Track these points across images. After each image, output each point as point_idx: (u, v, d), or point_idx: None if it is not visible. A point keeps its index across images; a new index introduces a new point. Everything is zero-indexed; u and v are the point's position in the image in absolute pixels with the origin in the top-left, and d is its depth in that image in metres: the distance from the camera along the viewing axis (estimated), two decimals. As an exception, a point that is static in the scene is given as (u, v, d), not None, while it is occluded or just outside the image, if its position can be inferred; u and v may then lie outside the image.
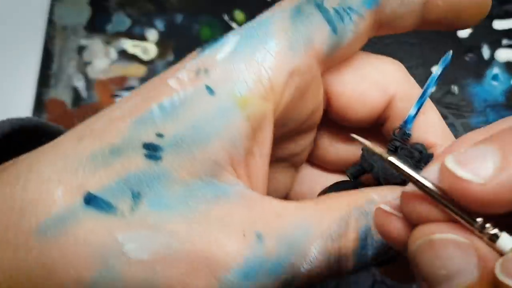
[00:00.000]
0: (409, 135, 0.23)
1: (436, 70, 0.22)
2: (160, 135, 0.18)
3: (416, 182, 0.17)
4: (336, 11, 0.21)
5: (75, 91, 0.41)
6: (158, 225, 0.17)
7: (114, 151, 0.18)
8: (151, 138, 0.18)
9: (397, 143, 0.22)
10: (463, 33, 0.41)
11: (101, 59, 0.41)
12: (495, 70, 0.40)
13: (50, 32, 0.42)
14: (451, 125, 0.39)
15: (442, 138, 0.23)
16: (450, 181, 0.16)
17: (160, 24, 0.43)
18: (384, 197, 0.20)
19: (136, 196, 0.18)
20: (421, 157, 0.22)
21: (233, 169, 0.19)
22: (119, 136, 0.18)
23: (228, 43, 0.20)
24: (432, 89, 0.23)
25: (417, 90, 0.23)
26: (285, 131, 0.22)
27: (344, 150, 0.25)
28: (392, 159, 0.17)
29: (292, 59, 0.20)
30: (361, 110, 0.23)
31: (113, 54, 0.42)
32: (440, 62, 0.22)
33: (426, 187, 0.16)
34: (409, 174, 0.17)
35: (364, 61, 0.23)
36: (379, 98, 0.23)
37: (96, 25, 0.42)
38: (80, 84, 0.41)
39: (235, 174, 0.19)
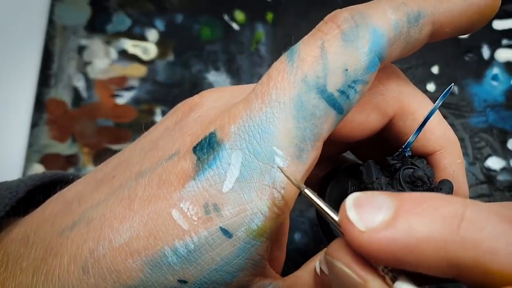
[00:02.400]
0: (408, 157, 0.23)
1: (436, 101, 0.22)
2: (183, 281, 0.18)
3: (325, 214, 0.17)
4: (341, 92, 0.19)
5: (75, 91, 0.41)
6: None
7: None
8: (174, 284, 0.18)
9: (398, 165, 0.22)
10: (463, 33, 0.41)
11: (101, 59, 0.41)
12: (495, 70, 0.40)
13: (51, 32, 0.42)
14: (451, 125, 0.39)
15: (443, 144, 0.23)
16: (341, 217, 0.16)
17: (160, 24, 0.43)
18: None
19: None
20: (423, 187, 0.22)
21: (259, 277, 0.20)
22: (134, 278, 0.18)
23: (231, 165, 0.18)
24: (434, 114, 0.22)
25: (418, 103, 0.23)
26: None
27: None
28: (307, 191, 0.18)
29: (302, 166, 0.19)
30: (361, 134, 0.23)
31: (113, 54, 0.42)
32: (442, 94, 0.22)
33: (332, 219, 0.17)
34: (319, 206, 0.17)
35: None
36: (379, 121, 0.23)
37: (96, 25, 0.42)
38: (80, 84, 0.41)
39: (260, 280, 0.20)
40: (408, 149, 0.22)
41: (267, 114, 0.19)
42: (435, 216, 0.15)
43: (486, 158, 0.38)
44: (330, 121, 0.19)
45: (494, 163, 0.38)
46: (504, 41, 0.41)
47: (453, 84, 0.22)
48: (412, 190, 0.22)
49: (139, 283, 0.18)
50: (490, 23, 0.41)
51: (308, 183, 0.20)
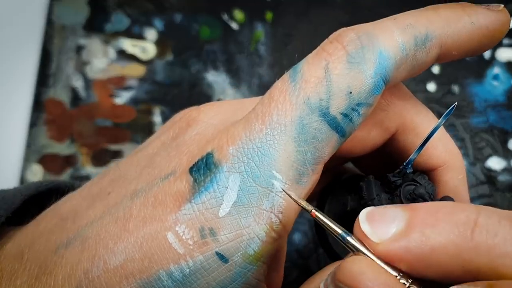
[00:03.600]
0: (410, 174, 0.22)
1: (439, 120, 0.21)
2: None
3: (335, 233, 0.17)
4: (345, 115, 0.19)
5: (74, 91, 0.40)
6: None
7: None
8: None
9: (398, 182, 0.22)
10: (464, 33, 0.41)
11: (100, 59, 0.41)
12: (496, 70, 0.40)
13: (49, 31, 0.42)
14: (451, 125, 0.39)
15: (445, 159, 0.23)
16: (356, 231, 0.16)
17: (159, 23, 0.42)
18: None
19: None
20: (424, 200, 0.22)
21: None
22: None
23: (229, 189, 0.18)
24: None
25: (419, 118, 0.22)
26: None
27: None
28: (316, 212, 0.18)
29: (301, 190, 0.19)
30: (362, 150, 0.23)
31: (112, 53, 0.41)
32: (444, 114, 0.21)
33: (343, 237, 0.17)
34: (329, 226, 0.17)
35: None
36: (380, 137, 0.23)
37: (95, 24, 0.42)
38: (78, 83, 0.41)
39: None
40: (409, 166, 0.22)
41: (267, 137, 0.18)
42: (448, 224, 0.15)
43: (486, 158, 0.38)
44: (332, 144, 0.19)
45: (495, 163, 0.38)
46: (505, 41, 0.41)
47: (456, 103, 0.22)
48: None
49: None
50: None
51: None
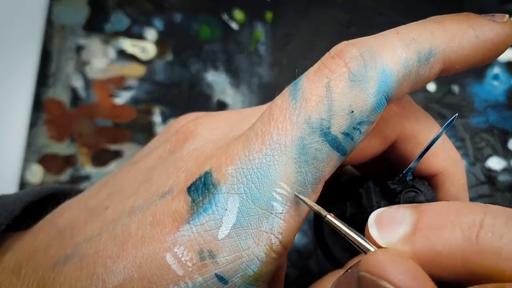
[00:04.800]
0: (409, 180, 0.22)
1: (439, 131, 0.21)
2: None
3: (351, 239, 0.17)
4: (346, 135, 0.18)
5: (74, 91, 0.40)
6: None
7: None
8: None
9: (398, 189, 0.22)
10: (464, 33, 0.41)
11: (100, 59, 0.41)
12: (496, 69, 0.40)
13: (49, 31, 0.42)
14: (451, 125, 0.39)
15: (446, 165, 0.23)
16: (366, 235, 0.16)
17: (159, 23, 0.42)
18: None
19: None
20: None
21: None
22: None
23: (228, 211, 0.18)
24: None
25: (420, 127, 0.22)
26: None
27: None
28: (329, 217, 0.18)
29: (301, 211, 0.19)
30: (362, 158, 0.22)
31: (112, 53, 0.41)
32: (445, 125, 0.21)
33: (359, 243, 0.17)
34: (345, 231, 0.17)
35: None
36: (380, 146, 0.22)
37: (95, 24, 0.42)
38: (78, 83, 0.41)
39: None
40: (409, 174, 0.22)
41: (267, 157, 0.18)
42: (453, 227, 0.15)
43: (486, 158, 0.38)
44: (332, 163, 0.19)
45: (495, 163, 0.38)
46: (505, 41, 0.41)
47: (456, 114, 0.22)
48: None
49: None
50: (491, 22, 0.41)
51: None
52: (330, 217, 0.18)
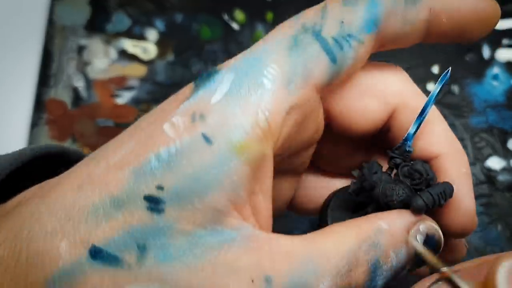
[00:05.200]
0: (410, 151, 0.22)
1: (435, 87, 0.22)
2: (160, 188, 0.18)
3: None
4: (335, 40, 0.20)
5: (75, 91, 0.41)
6: (166, 277, 0.17)
7: (115, 203, 0.18)
8: (152, 191, 0.18)
9: (398, 161, 0.22)
10: (463, 33, 0.41)
11: (101, 59, 0.41)
12: (495, 70, 0.40)
13: (50, 32, 0.42)
14: (451, 125, 0.39)
15: (447, 148, 0.23)
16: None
17: (160, 23, 0.43)
18: (393, 224, 0.20)
19: (141, 249, 0.17)
20: (421, 180, 0.22)
21: (237, 212, 0.19)
22: (119, 187, 0.18)
23: (223, 83, 0.19)
24: (431, 107, 0.23)
25: (420, 99, 0.23)
26: (285, 155, 0.22)
27: (346, 156, 0.25)
28: (448, 272, 0.18)
29: (289, 96, 0.19)
30: (363, 124, 0.23)
31: (113, 54, 0.42)
32: (439, 80, 0.22)
33: None
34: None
35: (365, 73, 0.23)
36: (380, 111, 0.23)
37: (96, 24, 0.42)
38: (80, 84, 0.41)
39: (240, 216, 0.19)
40: (409, 143, 0.22)
41: (263, 47, 0.20)
42: None
43: (486, 158, 0.38)
44: (321, 67, 0.20)
45: (495, 163, 0.38)
46: (505, 41, 0.41)
47: (450, 68, 0.23)
48: (411, 183, 0.22)
49: (123, 191, 0.18)
50: (490, 22, 0.41)
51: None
52: (450, 273, 0.18)
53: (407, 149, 0.22)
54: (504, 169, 0.38)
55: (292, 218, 0.37)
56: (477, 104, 0.40)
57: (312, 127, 0.22)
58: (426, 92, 0.40)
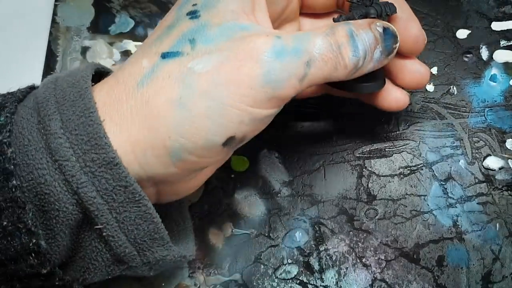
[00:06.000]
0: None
1: None
2: (195, 5, 0.27)
3: None
4: None
5: (79, 91, 0.41)
6: (212, 50, 0.26)
7: (170, 27, 0.27)
8: (190, 8, 0.27)
9: (354, 5, 0.31)
10: (462, 34, 0.42)
11: (105, 60, 0.42)
12: (494, 70, 0.41)
13: (54, 33, 0.43)
14: (450, 125, 0.39)
15: None
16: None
17: (162, 25, 0.43)
18: (358, 21, 0.29)
19: (192, 41, 0.26)
20: (371, 2, 0.30)
21: (246, 16, 0.27)
22: (170, 19, 0.28)
23: None
24: None
25: None
26: (276, 11, 0.31)
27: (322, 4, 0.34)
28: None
29: None
30: None
31: (117, 55, 0.42)
32: None
33: None
34: None
35: None
36: None
37: (100, 26, 0.43)
38: (83, 84, 0.41)
39: (248, 20, 0.27)
40: None
41: None
42: None
43: (485, 157, 0.39)
44: None
45: (493, 162, 0.38)
46: (503, 42, 0.41)
47: None
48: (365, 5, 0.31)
49: (173, 19, 0.28)
50: (489, 24, 0.42)
51: None
52: None
53: None
54: (502, 168, 0.38)
55: (292, 217, 0.37)
56: (475, 104, 0.40)
57: None
58: (425, 93, 0.40)
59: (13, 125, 0.25)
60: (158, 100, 0.25)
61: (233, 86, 0.25)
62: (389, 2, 0.31)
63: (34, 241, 0.24)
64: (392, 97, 0.33)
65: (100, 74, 0.29)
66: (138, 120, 0.25)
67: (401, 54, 0.32)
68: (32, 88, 0.28)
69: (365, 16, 0.30)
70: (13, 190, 0.23)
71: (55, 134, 0.24)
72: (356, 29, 0.27)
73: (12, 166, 0.24)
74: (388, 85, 0.34)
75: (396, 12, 0.31)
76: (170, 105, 0.25)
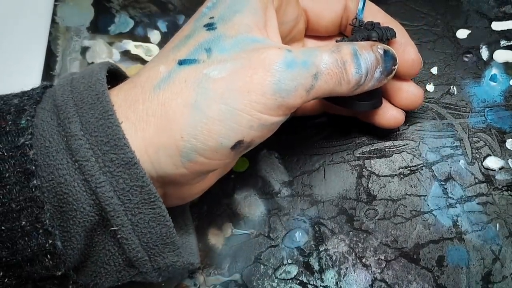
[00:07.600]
0: (363, 22, 0.34)
1: None
2: (211, 18, 0.29)
3: None
4: None
5: (79, 91, 0.41)
6: (227, 58, 0.27)
7: (187, 37, 0.29)
8: (207, 21, 0.29)
9: (357, 24, 0.34)
10: (462, 34, 0.42)
11: (104, 60, 0.42)
12: (494, 70, 0.41)
13: (53, 33, 0.43)
14: (450, 125, 0.39)
15: (383, 18, 0.35)
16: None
17: (162, 25, 0.43)
18: (361, 43, 0.30)
19: (208, 50, 0.28)
20: (372, 26, 0.33)
21: (259, 31, 0.29)
22: (187, 30, 0.30)
23: None
24: None
25: None
26: (285, 30, 0.33)
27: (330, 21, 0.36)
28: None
29: None
30: (328, 16, 0.35)
31: (116, 55, 0.42)
32: None
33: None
34: None
35: None
36: (338, 5, 0.35)
37: (99, 26, 0.43)
38: (83, 84, 0.41)
39: (261, 34, 0.29)
40: (361, 15, 0.34)
41: None
42: None
43: (485, 157, 0.39)
44: None
45: (493, 162, 0.38)
46: (503, 42, 0.41)
47: None
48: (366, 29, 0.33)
49: (191, 30, 0.30)
50: (489, 24, 0.42)
51: None
52: None
53: (359, 19, 0.34)
54: (502, 168, 0.38)
55: (292, 217, 0.37)
56: (475, 104, 0.40)
57: (294, 11, 0.33)
58: (425, 93, 0.40)
59: (34, 128, 0.26)
60: (173, 103, 0.26)
61: (245, 92, 0.26)
62: (389, 27, 0.33)
63: (51, 241, 0.24)
64: (390, 114, 0.36)
65: (111, 73, 0.30)
66: (153, 121, 0.26)
67: (398, 76, 0.35)
68: (45, 87, 0.29)
69: (367, 39, 0.32)
70: (33, 189, 0.24)
71: (75, 136, 0.25)
72: (360, 49, 0.29)
73: (33, 167, 0.24)
74: (386, 104, 0.36)
75: (395, 37, 0.34)
76: (185, 108, 0.26)
